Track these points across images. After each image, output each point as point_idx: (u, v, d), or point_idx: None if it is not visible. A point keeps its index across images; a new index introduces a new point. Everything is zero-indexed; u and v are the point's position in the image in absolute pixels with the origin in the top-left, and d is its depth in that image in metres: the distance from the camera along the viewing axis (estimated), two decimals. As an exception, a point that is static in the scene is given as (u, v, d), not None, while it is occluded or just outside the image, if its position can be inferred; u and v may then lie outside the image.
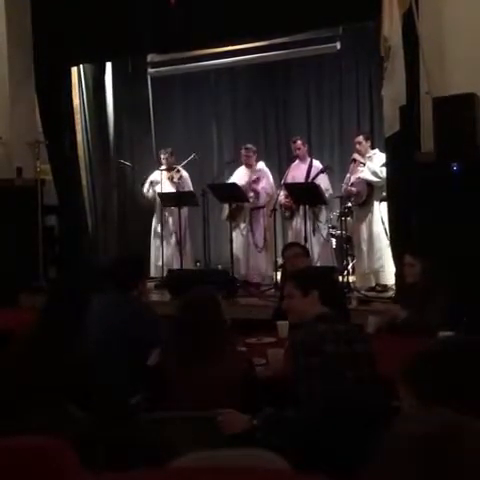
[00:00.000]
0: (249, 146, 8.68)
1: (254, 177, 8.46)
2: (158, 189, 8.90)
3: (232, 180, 8.63)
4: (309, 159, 8.38)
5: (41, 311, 3.52)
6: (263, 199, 8.43)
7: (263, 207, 8.49)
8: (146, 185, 9.14)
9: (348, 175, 7.84)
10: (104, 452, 2.87)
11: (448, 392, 1.70)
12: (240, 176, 8.61)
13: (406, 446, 1.28)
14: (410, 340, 3.96)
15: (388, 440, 1.32)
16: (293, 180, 8.20)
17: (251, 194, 8.35)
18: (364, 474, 1.32)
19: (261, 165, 8.69)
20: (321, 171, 8.06)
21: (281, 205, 8.17)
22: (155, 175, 9.10)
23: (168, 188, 8.89)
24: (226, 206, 8.46)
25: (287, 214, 8.27)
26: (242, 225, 8.49)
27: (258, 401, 3.12)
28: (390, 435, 1.33)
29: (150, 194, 9.09)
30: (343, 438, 2.74)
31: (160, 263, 8.76)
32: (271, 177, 8.62)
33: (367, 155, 7.69)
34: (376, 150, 7.69)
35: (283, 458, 2.29)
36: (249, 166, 8.60)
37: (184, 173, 9.04)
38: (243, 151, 8.64)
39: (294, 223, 8.23)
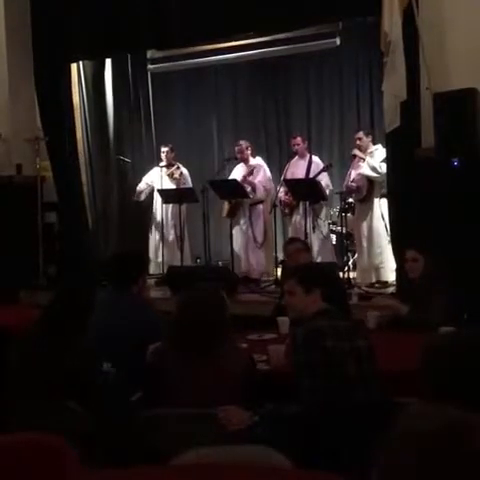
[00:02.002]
0: (241, 142, 8.66)
1: (248, 170, 8.44)
2: (155, 185, 8.90)
3: (231, 177, 8.61)
4: (308, 155, 8.36)
5: (44, 309, 3.52)
6: (260, 193, 8.39)
7: (262, 202, 8.47)
8: (135, 195, 9.16)
9: (349, 171, 7.83)
10: (105, 449, 2.86)
11: (455, 389, 1.69)
12: (238, 172, 8.59)
13: (411, 443, 1.27)
14: (411, 336, 3.96)
15: (393, 437, 1.31)
16: (292, 177, 8.18)
17: (248, 188, 8.32)
18: (368, 471, 1.32)
19: (257, 160, 8.66)
20: (323, 169, 8.05)
21: (281, 201, 8.15)
22: (142, 184, 9.11)
23: (168, 185, 8.88)
24: (226, 203, 8.46)
25: (286, 211, 8.26)
26: (242, 221, 8.48)
27: (259, 397, 3.12)
28: (395, 432, 1.32)
29: (141, 198, 9.10)
30: (344, 434, 2.74)
31: (160, 260, 8.77)
32: (268, 171, 8.58)
33: (369, 150, 7.67)
34: (378, 145, 7.66)
35: (284, 454, 2.29)
36: (245, 161, 8.58)
37: (184, 170, 9.03)
38: (236, 147, 8.63)
39: (294, 219, 8.23)
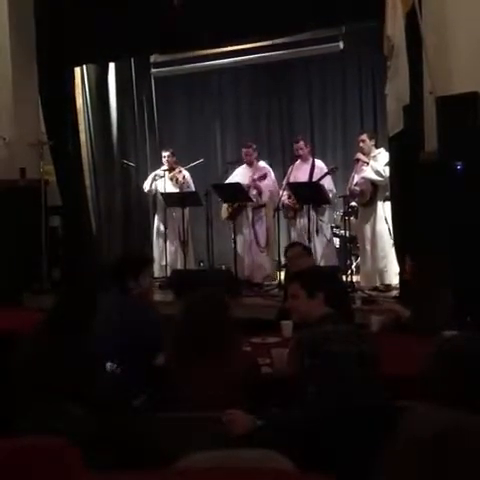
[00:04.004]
0: (249, 143, 8.67)
1: (260, 173, 8.44)
2: (160, 186, 8.90)
3: (233, 179, 8.61)
4: (311, 159, 8.36)
5: (49, 311, 3.52)
6: (265, 197, 8.41)
7: (264, 206, 8.47)
8: (149, 180, 9.12)
9: (353, 174, 7.83)
10: (109, 452, 2.87)
11: (458, 393, 1.69)
12: (242, 175, 8.58)
13: (413, 446, 1.27)
14: (414, 340, 3.96)
15: (396, 440, 1.32)
16: (295, 180, 8.18)
17: (254, 192, 8.34)
18: (371, 474, 1.32)
19: (263, 163, 8.68)
20: (328, 172, 8.05)
21: (284, 205, 8.16)
22: (159, 171, 9.09)
23: (170, 189, 8.89)
24: (224, 205, 8.47)
25: (290, 214, 8.26)
26: (245, 225, 8.48)
27: (263, 401, 3.12)
28: (398, 435, 1.33)
29: (152, 190, 9.08)
30: (347, 438, 2.74)
31: (164, 263, 8.77)
32: (273, 175, 8.60)
33: (372, 154, 7.67)
34: (381, 149, 7.65)
35: (287, 458, 2.29)
36: (250, 164, 8.58)
37: (186, 173, 9.03)
38: (244, 149, 8.61)
39: (297, 223, 8.23)
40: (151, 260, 4.68)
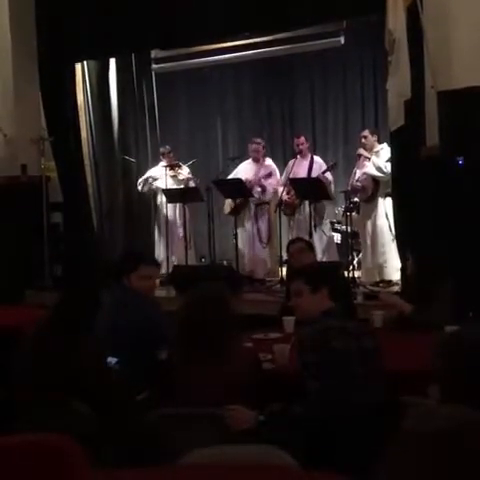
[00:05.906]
0: (259, 140, 8.63)
1: (266, 172, 8.42)
2: (161, 183, 8.89)
3: (237, 174, 8.59)
4: (310, 155, 8.34)
5: (51, 309, 3.52)
6: (269, 195, 8.40)
7: (268, 202, 8.46)
8: (140, 180, 9.11)
9: (355, 170, 7.82)
10: (112, 449, 2.87)
11: (463, 389, 1.69)
12: (246, 170, 8.56)
13: (417, 444, 1.27)
14: (416, 335, 3.96)
15: (402, 436, 1.31)
16: (295, 176, 8.15)
17: (258, 189, 8.32)
18: (374, 471, 1.31)
19: (270, 161, 8.65)
20: (328, 169, 8.03)
21: (282, 202, 8.13)
22: (154, 171, 9.09)
23: (171, 185, 8.87)
24: (228, 201, 8.45)
25: (288, 212, 8.24)
26: (247, 220, 8.47)
27: (265, 397, 3.12)
28: (401, 432, 1.32)
29: (145, 190, 9.08)
30: (349, 434, 2.74)
31: (165, 259, 8.76)
32: (278, 174, 8.57)
33: (374, 150, 7.66)
34: (384, 145, 7.64)
35: (289, 454, 2.29)
36: (257, 160, 8.55)
37: (187, 170, 9.01)
38: (253, 145, 8.55)
39: (296, 219, 8.22)
40: (143, 259, 4.55)
